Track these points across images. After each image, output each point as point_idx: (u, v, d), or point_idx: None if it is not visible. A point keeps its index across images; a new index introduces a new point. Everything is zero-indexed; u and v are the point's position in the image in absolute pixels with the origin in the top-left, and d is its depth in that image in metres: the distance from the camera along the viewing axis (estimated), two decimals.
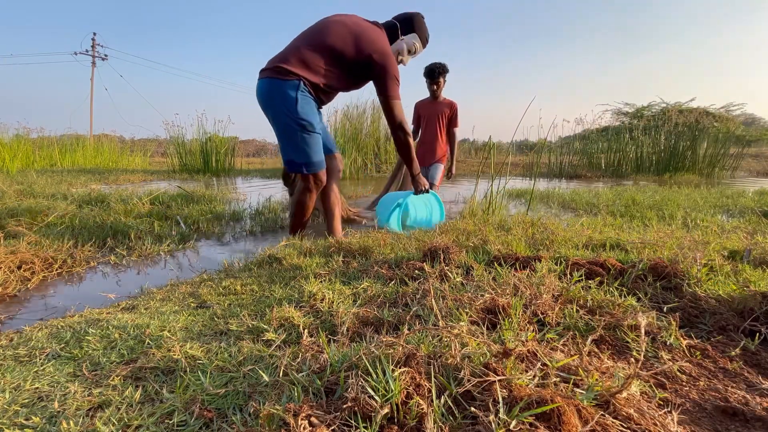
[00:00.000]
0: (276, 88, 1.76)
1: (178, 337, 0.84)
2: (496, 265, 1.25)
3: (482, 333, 0.78)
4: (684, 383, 0.69)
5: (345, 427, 0.50)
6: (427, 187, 2.13)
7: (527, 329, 0.80)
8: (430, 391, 0.54)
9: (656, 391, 0.65)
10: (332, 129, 6.60)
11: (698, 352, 0.79)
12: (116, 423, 0.55)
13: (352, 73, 1.86)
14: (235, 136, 7.85)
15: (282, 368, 0.65)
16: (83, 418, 0.58)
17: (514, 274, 1.13)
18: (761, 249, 1.38)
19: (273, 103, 1.79)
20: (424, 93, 3.55)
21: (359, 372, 0.60)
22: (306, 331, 0.81)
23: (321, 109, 1.99)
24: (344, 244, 1.59)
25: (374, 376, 0.56)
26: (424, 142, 3.55)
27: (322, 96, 1.90)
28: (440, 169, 3.53)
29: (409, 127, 2.00)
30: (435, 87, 3.45)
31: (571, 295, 0.97)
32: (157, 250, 1.81)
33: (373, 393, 0.53)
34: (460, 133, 3.68)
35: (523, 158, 10.01)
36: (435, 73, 3.41)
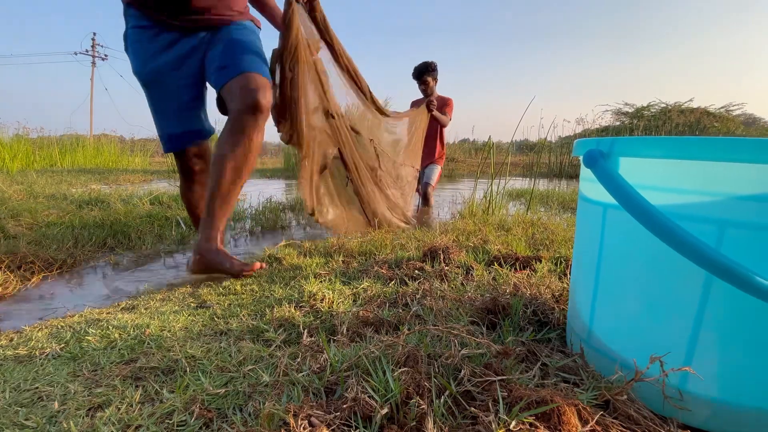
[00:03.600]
0: None
1: (178, 337, 0.84)
2: (496, 265, 1.25)
3: (482, 333, 0.78)
4: None
5: (345, 427, 0.50)
6: None
7: (527, 329, 0.80)
8: (430, 391, 0.54)
9: None
10: None
11: None
12: (116, 423, 0.55)
13: None
14: None
15: (282, 368, 0.65)
16: (83, 418, 0.58)
17: (514, 274, 1.13)
18: None
19: None
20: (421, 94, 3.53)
21: (359, 372, 0.60)
22: (306, 331, 0.81)
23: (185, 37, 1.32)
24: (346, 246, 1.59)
25: (374, 376, 0.56)
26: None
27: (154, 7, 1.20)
28: (436, 171, 3.46)
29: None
30: (424, 87, 3.40)
31: None
32: (157, 250, 1.81)
33: (373, 393, 0.53)
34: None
35: (523, 158, 9.99)
36: (421, 74, 3.36)
